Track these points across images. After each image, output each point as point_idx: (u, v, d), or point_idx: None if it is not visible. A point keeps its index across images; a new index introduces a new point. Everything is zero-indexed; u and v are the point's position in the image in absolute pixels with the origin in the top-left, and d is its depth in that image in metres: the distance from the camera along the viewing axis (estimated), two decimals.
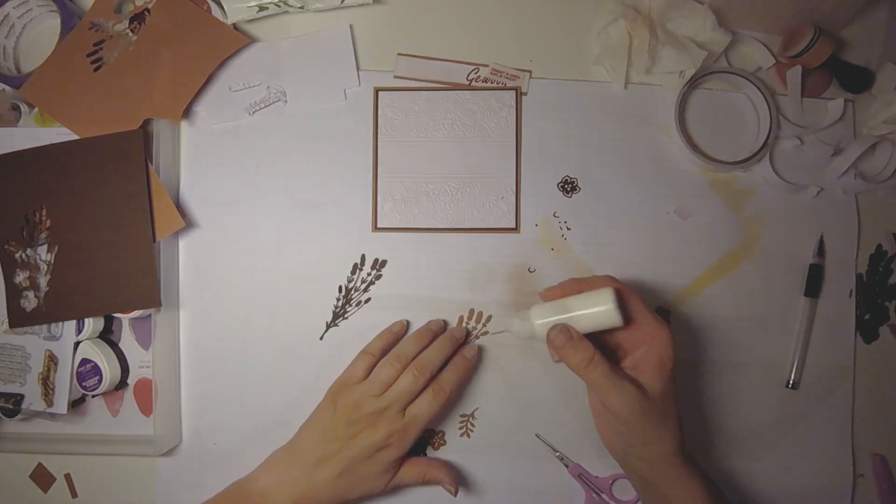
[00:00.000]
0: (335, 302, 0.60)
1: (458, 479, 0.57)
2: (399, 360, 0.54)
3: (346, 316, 0.60)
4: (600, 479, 0.58)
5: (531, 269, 0.60)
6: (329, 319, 0.60)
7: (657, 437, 0.48)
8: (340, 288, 0.60)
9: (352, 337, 0.59)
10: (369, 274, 0.60)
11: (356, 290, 0.60)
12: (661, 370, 0.48)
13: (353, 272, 0.60)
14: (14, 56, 0.63)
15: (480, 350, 0.59)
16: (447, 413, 0.59)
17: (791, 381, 0.60)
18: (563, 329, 0.48)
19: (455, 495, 0.55)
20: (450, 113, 0.61)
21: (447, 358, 0.56)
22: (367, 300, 0.60)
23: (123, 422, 0.60)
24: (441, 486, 0.55)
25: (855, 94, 0.63)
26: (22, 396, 0.57)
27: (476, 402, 0.60)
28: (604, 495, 0.58)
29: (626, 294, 0.49)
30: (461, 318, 0.60)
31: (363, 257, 0.60)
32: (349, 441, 0.52)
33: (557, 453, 0.59)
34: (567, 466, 0.58)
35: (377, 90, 0.61)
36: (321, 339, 0.60)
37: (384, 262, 0.60)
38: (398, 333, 0.58)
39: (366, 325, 0.59)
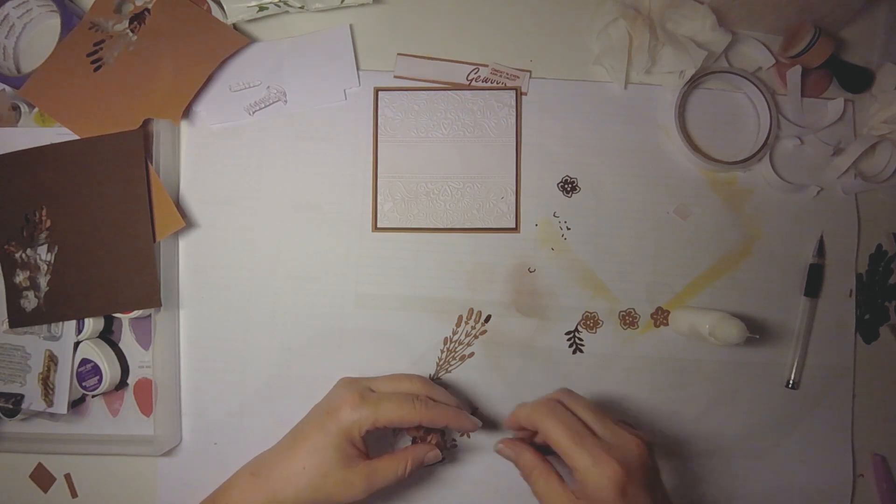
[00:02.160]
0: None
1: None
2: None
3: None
4: None
5: (531, 269, 0.60)
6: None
7: None
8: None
9: (353, 337, 0.59)
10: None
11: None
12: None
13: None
14: (14, 56, 0.63)
15: (480, 351, 0.60)
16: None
17: (791, 381, 0.60)
18: (508, 447, 0.50)
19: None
20: (450, 113, 0.61)
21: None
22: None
23: (123, 422, 0.60)
24: (424, 462, 0.51)
25: (855, 94, 0.63)
26: (22, 396, 0.57)
27: (476, 402, 0.60)
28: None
29: (549, 436, 0.45)
30: (460, 318, 0.60)
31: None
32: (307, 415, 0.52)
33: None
34: None
35: (377, 90, 0.61)
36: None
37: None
38: None
39: (367, 325, 0.59)
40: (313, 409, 0.52)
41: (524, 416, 0.49)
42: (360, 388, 0.51)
